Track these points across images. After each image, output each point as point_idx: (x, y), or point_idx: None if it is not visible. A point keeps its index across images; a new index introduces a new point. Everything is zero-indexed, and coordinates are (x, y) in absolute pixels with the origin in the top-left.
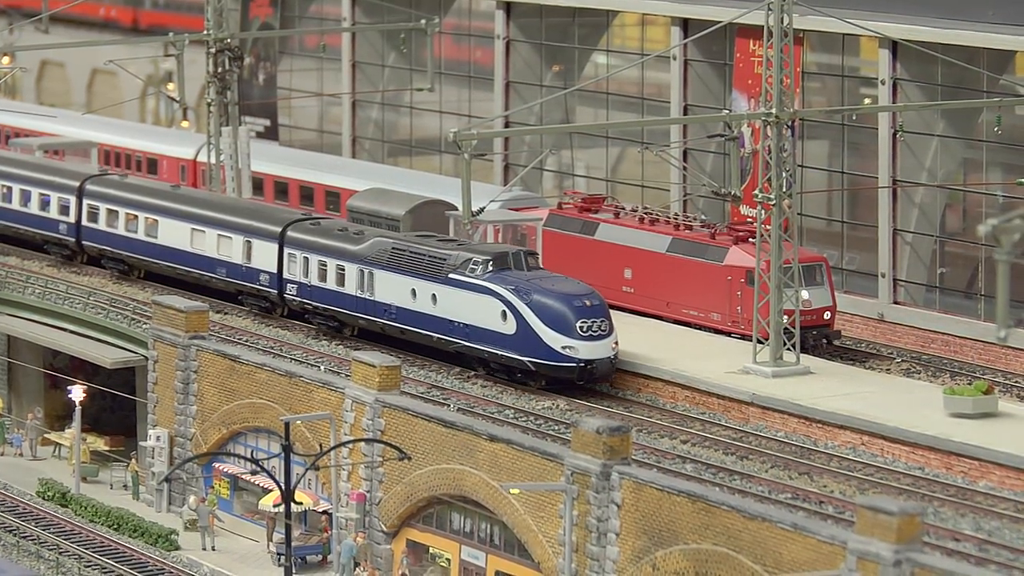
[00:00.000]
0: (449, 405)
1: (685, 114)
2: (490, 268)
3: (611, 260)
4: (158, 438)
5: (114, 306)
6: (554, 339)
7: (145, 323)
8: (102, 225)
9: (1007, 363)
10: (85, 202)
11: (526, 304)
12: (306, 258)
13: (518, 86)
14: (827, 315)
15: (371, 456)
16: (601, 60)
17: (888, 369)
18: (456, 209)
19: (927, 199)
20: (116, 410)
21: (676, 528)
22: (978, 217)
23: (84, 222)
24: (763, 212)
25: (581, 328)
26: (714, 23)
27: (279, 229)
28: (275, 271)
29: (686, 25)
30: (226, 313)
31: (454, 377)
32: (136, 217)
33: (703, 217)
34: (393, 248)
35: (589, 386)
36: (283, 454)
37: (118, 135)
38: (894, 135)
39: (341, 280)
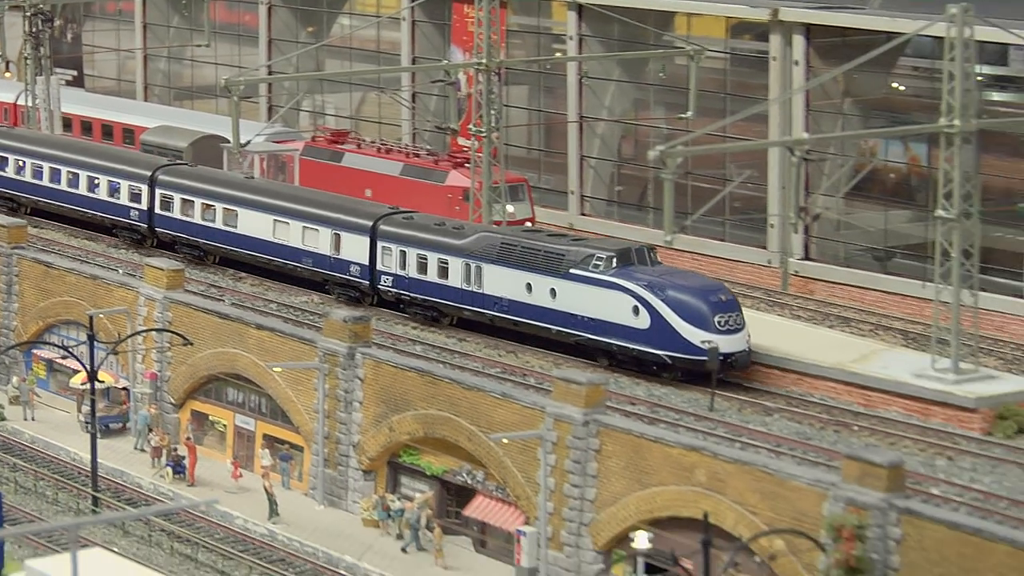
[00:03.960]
0: (224, 300)
1: (413, 64)
2: (614, 264)
3: (355, 182)
4: None
5: None
6: (693, 334)
7: None
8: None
9: (672, 260)
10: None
11: (661, 300)
12: (403, 251)
13: (278, 43)
14: (528, 224)
15: (161, 342)
16: (346, 21)
17: None
18: (229, 142)
19: (607, 131)
20: None
21: (408, 397)
22: (647, 145)
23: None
24: (476, 143)
25: (719, 323)
26: None
27: (371, 223)
28: (367, 263)
29: None
30: (42, 228)
31: (228, 278)
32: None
33: (428, 147)
34: (502, 243)
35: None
36: (89, 342)
37: None
38: (580, 80)
39: (444, 273)
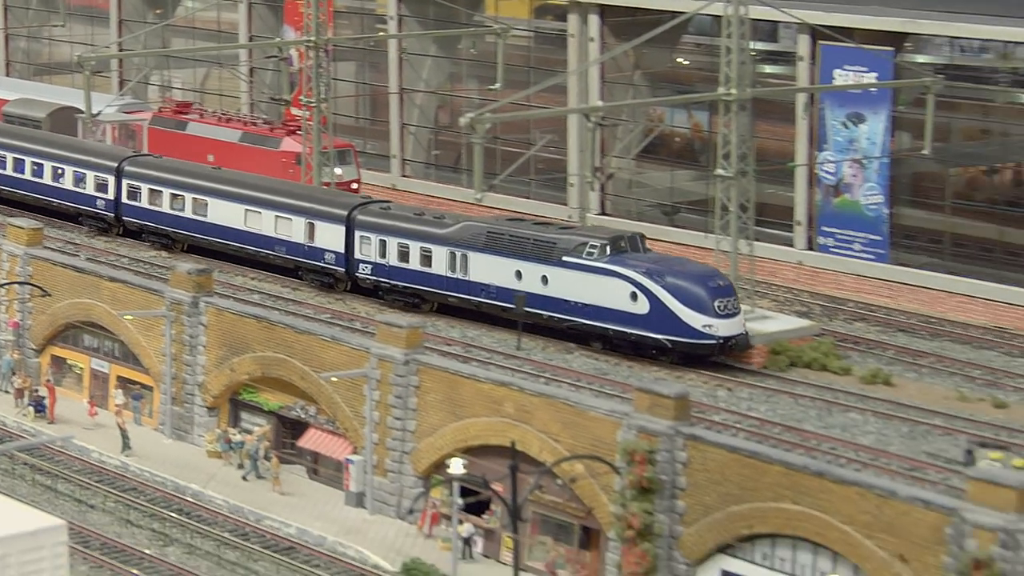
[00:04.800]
0: (80, 256)
1: (250, 42)
2: (608, 252)
3: (199, 149)
4: None
5: None
6: (693, 318)
7: None
8: None
9: (478, 211)
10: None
11: (661, 286)
12: (383, 240)
13: (128, 23)
14: (354, 185)
15: (22, 294)
16: (189, 3)
17: None
18: (83, 113)
19: (425, 102)
20: None
21: (247, 341)
22: (460, 114)
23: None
24: (307, 112)
25: (718, 307)
26: None
27: (346, 213)
28: (343, 251)
29: None
30: None
31: (84, 235)
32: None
33: (264, 117)
34: (489, 232)
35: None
36: None
37: None
38: (400, 56)
39: (427, 261)
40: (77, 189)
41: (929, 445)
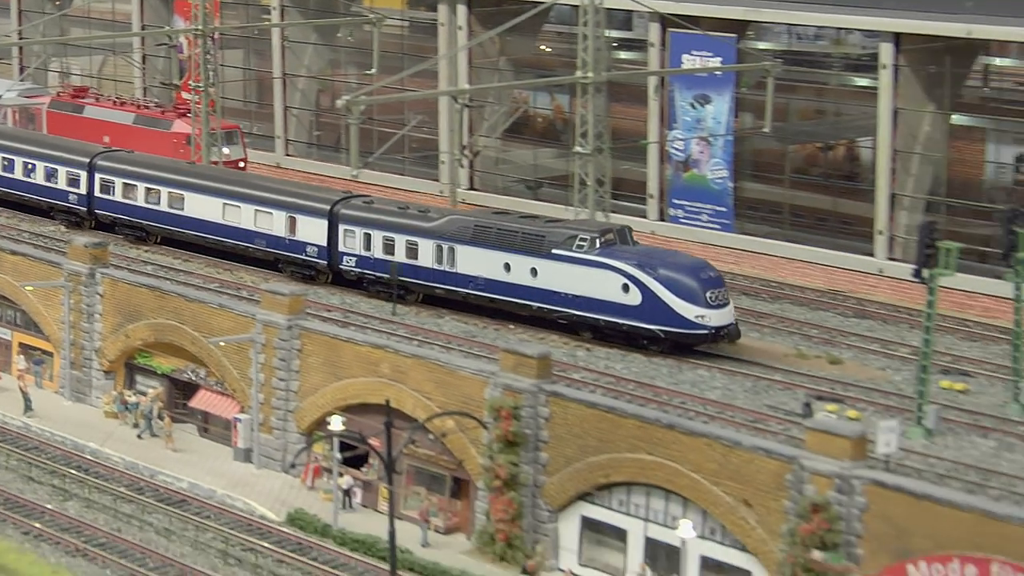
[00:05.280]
0: None
1: (143, 31)
2: (598, 244)
3: (95, 130)
4: None
5: None
6: (686, 309)
7: None
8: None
9: (362, 188)
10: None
11: (653, 278)
12: (367, 234)
13: (28, 13)
14: (241, 164)
15: None
16: None
17: None
18: None
19: (306, 86)
20: None
21: (141, 309)
22: (339, 97)
23: None
24: (196, 96)
25: (710, 298)
26: None
27: (328, 207)
28: (325, 244)
29: None
30: None
31: None
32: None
33: (156, 100)
34: (476, 225)
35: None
36: None
37: None
38: (283, 44)
39: (413, 254)
40: (49, 184)
41: (771, 399)
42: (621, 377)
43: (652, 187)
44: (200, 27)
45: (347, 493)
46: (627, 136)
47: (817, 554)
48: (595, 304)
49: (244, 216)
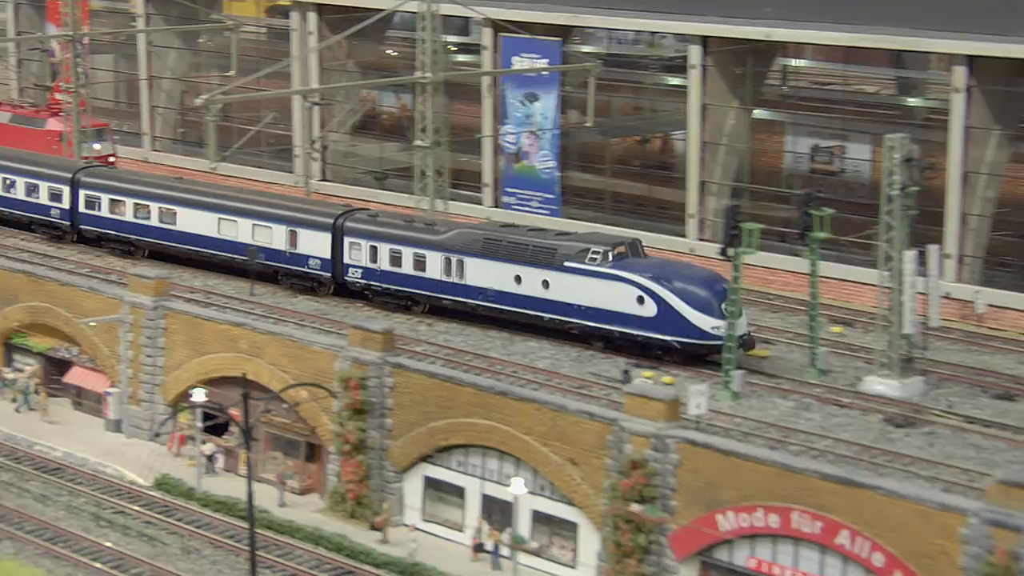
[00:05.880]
0: None
1: (17, 36)
2: (611, 257)
3: None
4: None
5: None
6: (703, 321)
7: None
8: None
9: (222, 181)
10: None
11: (669, 290)
12: (373, 247)
13: None
14: (112, 159)
15: None
16: None
17: None
18: None
19: (171, 87)
20: None
21: (17, 293)
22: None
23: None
24: (68, 96)
25: (724, 310)
26: None
27: (331, 221)
28: (328, 257)
29: None
30: None
31: None
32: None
33: (31, 101)
34: (485, 239)
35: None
36: None
37: None
38: (148, 48)
39: (420, 266)
40: (30, 199)
41: (594, 367)
42: (459, 349)
43: (487, 177)
44: (71, 33)
45: (210, 459)
46: (465, 131)
47: (635, 507)
48: (609, 315)
49: (241, 230)
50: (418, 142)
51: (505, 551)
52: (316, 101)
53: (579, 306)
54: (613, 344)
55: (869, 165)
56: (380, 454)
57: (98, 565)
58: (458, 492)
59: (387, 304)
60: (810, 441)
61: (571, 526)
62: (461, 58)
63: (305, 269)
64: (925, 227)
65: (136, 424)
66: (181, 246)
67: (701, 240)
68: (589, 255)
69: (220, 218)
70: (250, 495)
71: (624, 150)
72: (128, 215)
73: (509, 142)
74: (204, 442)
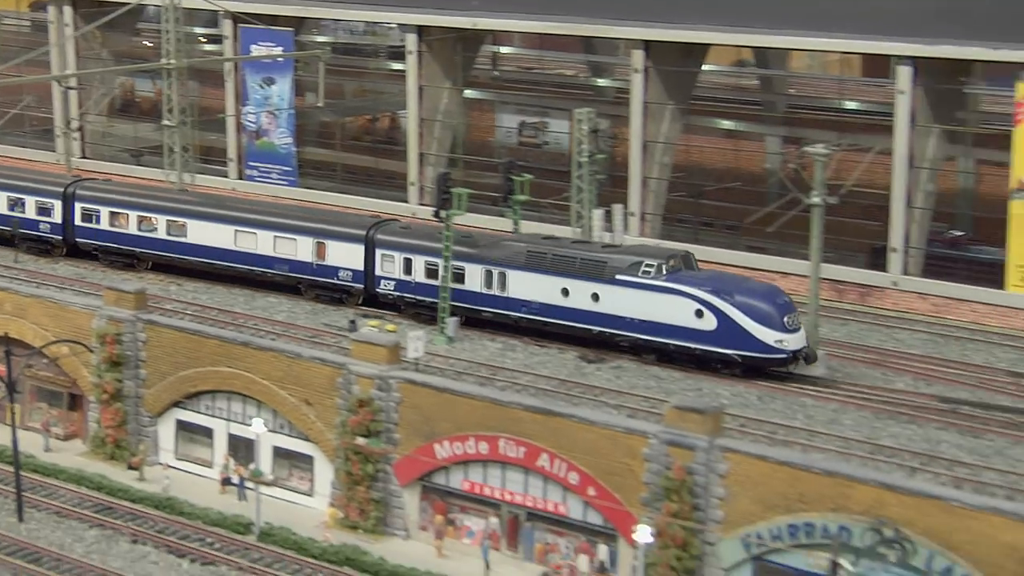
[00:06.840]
0: None
1: None
2: (664, 271)
3: None
4: None
5: None
6: (766, 334)
7: None
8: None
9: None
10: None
11: (731, 304)
12: (407, 259)
13: None
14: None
15: None
16: None
17: None
18: None
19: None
20: None
21: None
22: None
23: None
24: None
25: (787, 323)
26: None
27: (364, 232)
28: (361, 268)
29: None
30: None
31: None
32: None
33: None
34: (529, 251)
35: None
36: None
37: None
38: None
39: (459, 279)
40: (13, 213)
41: (326, 318)
42: (206, 306)
43: (231, 152)
44: None
45: None
46: (214, 112)
47: (361, 440)
48: (664, 329)
49: (261, 242)
50: (165, 122)
51: (250, 484)
52: (70, 86)
53: (631, 319)
54: (668, 356)
55: (567, 138)
56: (136, 401)
57: None
58: (207, 433)
59: (419, 316)
60: (514, 377)
61: (308, 459)
62: (209, 47)
63: (334, 281)
64: (612, 190)
65: None
66: (195, 259)
67: (421, 205)
68: (642, 268)
69: (237, 230)
70: (15, 441)
71: (358, 128)
72: (131, 228)
73: (250, 121)
74: None
